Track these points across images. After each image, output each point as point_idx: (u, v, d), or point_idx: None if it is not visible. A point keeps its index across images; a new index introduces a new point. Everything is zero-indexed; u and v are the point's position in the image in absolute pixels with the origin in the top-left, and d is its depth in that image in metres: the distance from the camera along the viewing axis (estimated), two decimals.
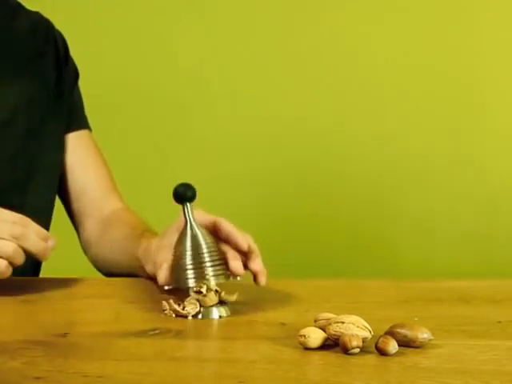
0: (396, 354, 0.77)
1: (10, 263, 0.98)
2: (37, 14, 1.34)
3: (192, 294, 0.93)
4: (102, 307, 1.00)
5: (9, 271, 0.98)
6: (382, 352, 0.77)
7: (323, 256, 2.03)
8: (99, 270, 1.29)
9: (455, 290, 1.06)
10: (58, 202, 1.34)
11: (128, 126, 2.09)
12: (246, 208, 2.01)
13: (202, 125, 2.08)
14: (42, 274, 1.31)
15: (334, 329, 0.79)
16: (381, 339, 0.77)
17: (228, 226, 0.99)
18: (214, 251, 0.95)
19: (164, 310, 0.93)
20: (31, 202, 1.24)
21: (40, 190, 1.27)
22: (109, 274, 1.25)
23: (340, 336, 0.78)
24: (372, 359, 0.76)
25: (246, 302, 0.95)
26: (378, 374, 0.74)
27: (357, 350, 0.77)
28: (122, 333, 0.86)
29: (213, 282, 0.94)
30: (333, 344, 0.79)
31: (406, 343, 0.79)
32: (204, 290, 0.92)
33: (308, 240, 2.05)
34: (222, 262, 0.95)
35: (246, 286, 1.06)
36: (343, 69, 2.04)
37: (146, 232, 1.15)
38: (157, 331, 0.86)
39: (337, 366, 0.75)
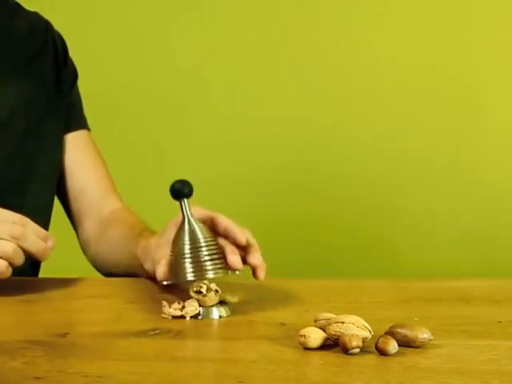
0: (396, 354, 0.77)
1: (10, 263, 0.98)
2: (36, 14, 1.34)
3: (192, 294, 0.93)
4: (102, 307, 1.00)
5: (8, 271, 0.99)
6: (381, 352, 0.77)
7: (323, 256, 2.03)
8: (98, 269, 1.29)
9: (455, 290, 1.06)
10: (57, 202, 1.34)
11: (128, 125, 2.09)
12: (245, 208, 2.01)
13: (202, 125, 2.08)
14: (41, 274, 1.31)
15: (334, 329, 0.79)
16: (381, 339, 0.77)
17: (226, 221, 0.99)
18: (212, 245, 0.95)
19: (163, 314, 0.92)
20: (30, 202, 1.24)
21: (39, 190, 1.27)
22: (108, 273, 1.25)
23: (340, 336, 0.78)
24: (372, 359, 0.76)
25: (246, 301, 0.95)
26: (378, 374, 0.74)
27: (357, 350, 0.77)
28: (122, 333, 0.86)
29: (211, 276, 0.94)
30: (333, 344, 0.79)
31: (405, 343, 0.79)
32: (204, 289, 0.92)
33: (308, 240, 2.05)
34: (221, 257, 0.95)
35: (246, 285, 1.06)
36: (343, 69, 2.04)
37: (144, 231, 1.15)
38: (157, 331, 0.86)
39: (337, 366, 0.75)
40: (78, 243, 1.34)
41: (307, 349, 0.79)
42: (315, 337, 0.79)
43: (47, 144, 1.28)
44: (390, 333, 0.79)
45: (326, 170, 2.06)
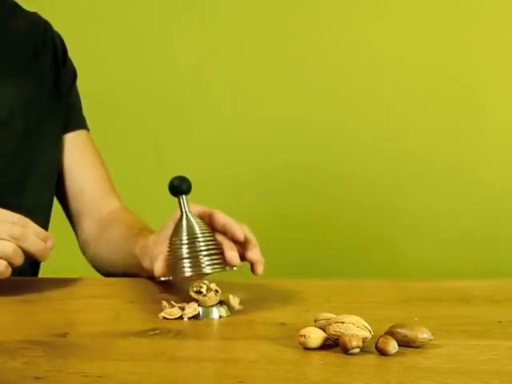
0: (396, 354, 0.77)
1: (10, 263, 0.98)
2: (35, 14, 1.34)
3: (192, 294, 0.92)
4: (101, 307, 1.00)
5: (8, 271, 0.99)
6: (381, 352, 0.77)
7: (323, 256, 2.03)
8: (98, 270, 1.29)
9: (455, 290, 1.06)
10: (56, 202, 1.34)
11: (128, 125, 2.09)
12: (245, 208, 2.01)
13: (201, 125, 2.08)
14: (41, 274, 1.31)
15: (334, 329, 0.79)
16: (381, 339, 0.77)
17: (224, 217, 0.99)
18: (210, 241, 0.95)
19: (162, 314, 0.92)
20: (29, 202, 1.24)
21: (38, 190, 1.27)
22: (107, 273, 1.25)
23: (340, 336, 0.78)
24: (372, 359, 0.76)
25: (246, 301, 0.95)
26: (378, 374, 0.74)
27: (357, 350, 0.77)
28: (122, 333, 0.86)
29: (208, 272, 0.94)
30: (333, 344, 0.79)
31: (405, 343, 0.79)
32: (204, 289, 0.92)
33: (308, 240, 2.05)
34: (219, 252, 0.95)
35: (246, 285, 1.06)
36: (343, 69, 2.04)
37: (143, 230, 1.15)
38: (157, 331, 0.86)
39: (337, 366, 0.75)
40: (77, 243, 1.34)
41: (307, 349, 0.79)
42: (315, 337, 0.79)
43: (46, 144, 1.28)
44: (390, 333, 0.79)
45: (326, 170, 2.06)
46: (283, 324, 0.89)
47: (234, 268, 0.96)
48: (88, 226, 1.30)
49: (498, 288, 1.09)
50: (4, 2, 1.30)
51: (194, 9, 2.07)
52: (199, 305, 0.92)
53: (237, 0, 2.07)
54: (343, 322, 0.79)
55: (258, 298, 1.00)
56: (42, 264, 1.28)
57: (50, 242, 1.02)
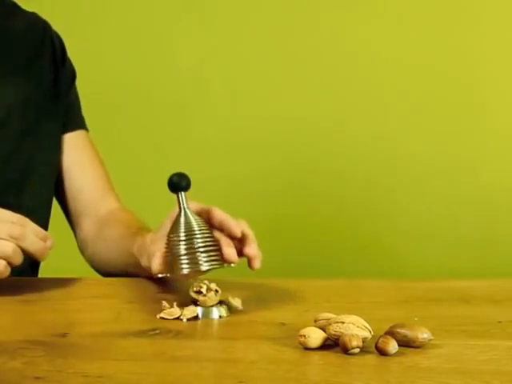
0: (396, 354, 0.77)
1: (9, 263, 0.98)
2: (34, 14, 1.34)
3: (192, 294, 0.92)
4: (101, 307, 1.00)
5: (7, 271, 0.98)
6: (381, 352, 0.77)
7: (323, 256, 2.03)
8: (96, 269, 1.29)
9: (455, 290, 1.06)
10: (55, 202, 1.34)
11: (128, 125, 2.09)
12: (245, 208, 2.00)
13: (201, 125, 2.08)
14: (41, 274, 1.31)
15: (334, 329, 0.79)
16: (381, 339, 0.77)
17: (221, 214, 0.99)
18: (208, 238, 0.95)
19: (162, 314, 0.92)
20: (28, 202, 1.24)
21: (37, 190, 1.27)
22: (105, 273, 1.25)
23: (340, 336, 0.78)
24: (372, 359, 0.76)
25: (246, 301, 0.95)
26: (378, 374, 0.74)
27: (357, 350, 0.77)
28: (122, 333, 0.86)
29: (206, 268, 0.94)
30: (333, 344, 0.79)
31: (406, 343, 0.79)
32: (204, 289, 0.92)
33: (308, 240, 2.05)
34: (216, 249, 0.95)
35: (246, 285, 1.06)
36: (343, 69, 2.04)
37: (141, 230, 1.15)
38: (157, 331, 0.86)
39: (337, 366, 0.75)
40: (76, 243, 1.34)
41: (307, 349, 0.79)
42: (315, 337, 0.79)
43: (45, 144, 1.28)
44: (390, 333, 0.79)
45: (326, 170, 2.06)
46: (283, 324, 0.89)
47: (232, 265, 0.96)
48: (87, 225, 1.30)
49: (498, 288, 1.09)
50: (3, 1, 1.30)
51: (193, 9, 2.07)
52: (199, 305, 0.92)
53: (237, 0, 2.07)
54: (343, 322, 0.79)
55: (258, 298, 1.00)
56: (41, 264, 1.28)
57: (49, 242, 1.02)
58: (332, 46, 2.04)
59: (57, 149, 1.30)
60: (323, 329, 0.80)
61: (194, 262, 0.94)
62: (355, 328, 0.78)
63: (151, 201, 1.76)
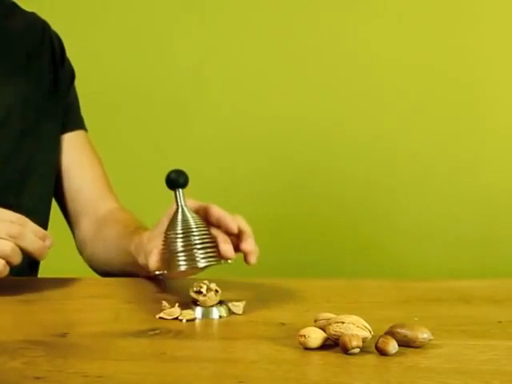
0: (396, 354, 0.77)
1: (8, 262, 0.98)
2: (33, 14, 1.34)
3: (192, 294, 0.92)
4: (101, 307, 1.00)
5: (6, 270, 0.98)
6: (382, 352, 0.77)
7: (323, 256, 2.03)
8: (94, 269, 1.29)
9: (455, 290, 1.06)
10: (54, 202, 1.34)
11: (128, 125, 2.09)
12: (245, 208, 2.00)
13: (201, 125, 2.08)
14: (40, 274, 1.31)
15: (334, 329, 0.79)
16: (381, 339, 0.77)
17: (218, 211, 0.99)
18: (205, 235, 0.95)
19: (161, 314, 0.92)
20: (28, 202, 1.24)
21: (37, 190, 1.27)
22: (104, 273, 1.25)
23: (340, 336, 0.78)
24: (372, 359, 0.76)
25: (246, 301, 0.95)
26: (378, 374, 0.74)
27: (357, 350, 0.77)
28: (122, 333, 0.86)
29: (203, 265, 0.94)
30: (333, 344, 0.79)
31: (406, 343, 0.79)
32: (204, 289, 0.92)
33: (308, 240, 2.05)
34: (214, 246, 0.95)
35: (246, 285, 1.06)
36: (343, 69, 2.04)
37: (139, 229, 1.15)
38: (156, 331, 0.86)
39: (337, 366, 0.75)
40: None
41: (307, 349, 0.79)
42: (315, 337, 0.79)
43: (45, 144, 1.28)
44: (390, 333, 0.79)
45: (326, 170, 2.06)
46: (283, 324, 0.89)
47: (229, 261, 0.96)
48: (85, 225, 1.30)
49: (498, 288, 1.09)
50: (2, 1, 1.30)
51: (194, 9, 2.07)
52: (199, 305, 0.92)
53: (237, 0, 2.07)
54: (343, 322, 0.79)
55: (258, 298, 1.00)
56: (41, 264, 1.28)
57: (48, 241, 1.02)
58: (332, 45, 2.04)
59: (56, 149, 1.30)
60: (323, 329, 0.80)
61: (191, 258, 0.93)
62: (355, 328, 0.78)
63: (151, 200, 1.75)
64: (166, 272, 0.97)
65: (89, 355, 0.79)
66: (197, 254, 0.94)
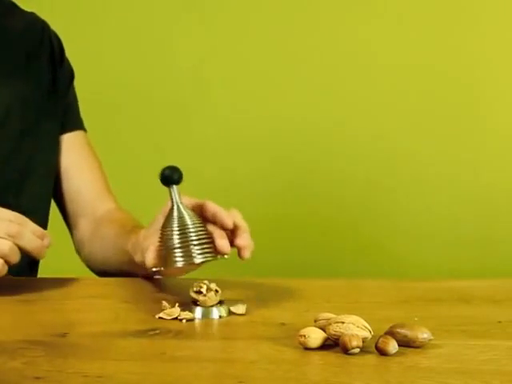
0: (396, 354, 0.77)
1: (6, 261, 0.98)
2: (32, 14, 1.34)
3: (192, 294, 0.92)
4: (101, 307, 1.00)
5: (4, 269, 0.98)
6: (382, 352, 0.77)
7: (323, 256, 2.03)
8: (92, 269, 1.28)
9: (455, 290, 1.06)
10: (53, 203, 1.34)
11: (128, 125, 2.09)
12: (245, 208, 2.00)
13: (201, 125, 2.08)
14: (40, 274, 1.31)
15: (334, 329, 0.79)
16: (381, 339, 0.77)
17: (214, 207, 0.99)
18: (200, 230, 0.95)
19: (161, 314, 0.92)
20: (27, 202, 1.23)
21: (37, 190, 1.27)
22: (101, 272, 1.25)
23: (340, 336, 0.78)
24: (372, 359, 0.76)
25: (246, 301, 0.95)
26: (378, 374, 0.74)
27: (357, 350, 0.77)
28: (122, 333, 0.86)
29: (200, 261, 0.94)
30: (333, 344, 0.79)
31: (406, 343, 0.79)
32: (204, 289, 0.92)
33: (308, 240, 2.05)
34: (210, 241, 0.95)
35: (246, 285, 1.06)
36: (343, 69, 2.04)
37: (135, 228, 1.15)
38: (157, 331, 0.86)
39: (337, 366, 0.75)
40: None
41: (307, 349, 0.79)
42: (315, 337, 0.79)
43: (44, 144, 1.28)
44: (390, 333, 0.79)
45: (326, 170, 2.06)
46: (283, 324, 0.89)
47: (225, 256, 0.95)
48: (83, 226, 1.30)
49: (498, 288, 1.09)
50: (1, 1, 1.30)
51: (194, 9, 2.07)
52: (199, 305, 0.92)
53: (237, 0, 2.07)
54: (343, 322, 0.79)
55: (258, 298, 1.00)
56: (40, 264, 1.28)
57: (46, 240, 1.02)
58: (332, 45, 2.04)
59: (55, 149, 1.30)
60: (323, 329, 0.80)
61: (187, 254, 0.94)
62: (355, 328, 0.78)
63: (151, 200, 1.75)
64: (162, 269, 0.97)
65: (89, 355, 0.79)
66: (193, 250, 0.94)
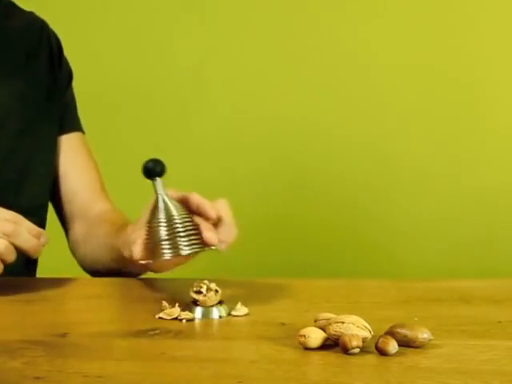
0: (396, 354, 0.77)
1: (2, 260, 0.98)
2: (31, 13, 1.34)
3: (192, 294, 0.92)
4: (101, 307, 1.00)
5: (0, 268, 0.98)
6: (382, 352, 0.77)
7: (323, 256, 2.03)
8: (87, 270, 1.28)
9: (455, 290, 1.06)
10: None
11: (128, 126, 2.09)
12: (245, 208, 2.00)
13: (201, 125, 2.08)
14: (39, 274, 1.31)
15: (334, 329, 0.79)
16: (381, 339, 0.77)
17: (198, 198, 0.99)
18: (187, 222, 0.94)
19: (161, 314, 0.92)
20: (26, 202, 1.23)
21: (35, 190, 1.27)
22: (95, 272, 1.24)
23: (340, 336, 0.78)
24: (372, 359, 0.76)
25: (246, 301, 0.95)
26: (378, 374, 0.74)
27: (357, 350, 0.77)
28: (122, 333, 0.86)
29: (187, 253, 0.93)
30: (333, 344, 0.79)
31: (406, 343, 0.79)
32: (204, 289, 0.92)
33: (308, 240, 2.05)
34: (197, 233, 0.95)
35: (246, 285, 1.06)
36: (343, 69, 2.04)
37: (124, 225, 1.15)
38: (157, 331, 0.86)
39: (337, 366, 0.75)
40: None
41: (307, 349, 0.79)
42: (315, 337, 0.79)
43: (43, 144, 1.28)
44: (390, 333, 0.79)
45: (326, 170, 2.06)
46: (283, 324, 0.89)
47: (213, 247, 0.95)
48: (78, 227, 1.30)
49: (498, 288, 1.09)
50: (0, 1, 1.30)
51: (194, 9, 2.07)
52: (199, 305, 0.92)
53: (237, 0, 2.07)
54: (343, 322, 0.79)
55: (258, 298, 1.00)
56: (39, 264, 1.28)
57: (42, 239, 1.02)
58: (332, 45, 2.04)
59: (53, 149, 1.30)
60: (323, 329, 0.80)
61: (174, 246, 0.93)
62: (355, 328, 0.78)
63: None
64: (151, 262, 0.96)
65: (89, 355, 0.79)
66: (180, 242, 0.93)
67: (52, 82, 1.30)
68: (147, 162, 0.97)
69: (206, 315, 0.92)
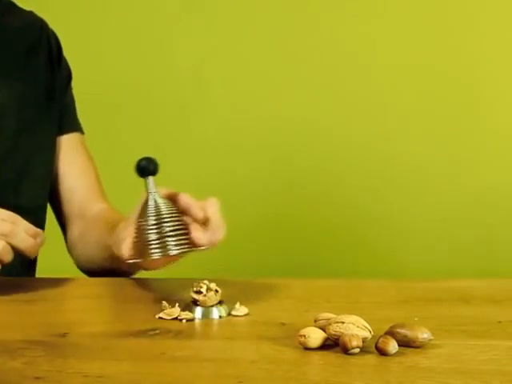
0: (396, 354, 0.77)
1: None
2: (30, 13, 1.34)
3: (192, 294, 0.92)
4: (101, 307, 1.00)
5: None
6: (382, 352, 0.77)
7: (323, 256, 2.03)
8: (83, 270, 1.28)
9: (455, 290, 1.06)
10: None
11: (127, 126, 2.09)
12: (245, 208, 2.01)
13: (201, 125, 2.08)
14: (38, 274, 1.30)
15: (334, 329, 0.79)
16: (381, 339, 0.77)
17: (186, 198, 0.98)
18: (177, 222, 0.94)
19: (161, 314, 0.92)
20: (25, 202, 1.23)
21: (33, 190, 1.27)
22: (90, 271, 1.24)
23: (340, 336, 0.78)
24: (372, 359, 0.76)
25: (246, 301, 0.95)
26: (378, 374, 0.74)
27: (357, 350, 0.77)
28: (122, 333, 0.86)
29: (176, 253, 0.93)
30: (333, 344, 0.79)
31: (406, 343, 0.79)
32: (204, 289, 0.92)
33: (308, 240, 2.05)
34: (186, 233, 0.95)
35: (246, 285, 1.06)
36: (343, 69, 2.04)
37: (118, 223, 1.15)
38: (157, 331, 0.86)
39: (337, 366, 0.75)
40: None
41: (307, 349, 0.79)
42: (315, 337, 0.79)
43: (42, 144, 1.28)
44: (390, 333, 0.79)
45: (326, 170, 2.06)
46: (283, 324, 0.89)
47: (201, 248, 0.95)
48: (76, 227, 1.30)
49: (498, 288, 1.09)
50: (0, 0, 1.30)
51: (193, 9, 2.07)
52: (199, 305, 0.92)
53: (237, 0, 2.07)
54: (343, 322, 0.79)
55: (257, 298, 1.00)
56: (39, 264, 1.28)
57: (39, 239, 1.02)
58: (332, 45, 2.04)
59: (52, 149, 1.30)
60: (323, 329, 0.80)
61: (163, 246, 0.93)
62: (355, 328, 0.78)
63: None
64: (140, 261, 0.96)
65: (89, 355, 0.79)
66: (169, 242, 0.93)
67: (51, 82, 1.30)
68: (140, 160, 0.97)
69: (206, 315, 0.92)
